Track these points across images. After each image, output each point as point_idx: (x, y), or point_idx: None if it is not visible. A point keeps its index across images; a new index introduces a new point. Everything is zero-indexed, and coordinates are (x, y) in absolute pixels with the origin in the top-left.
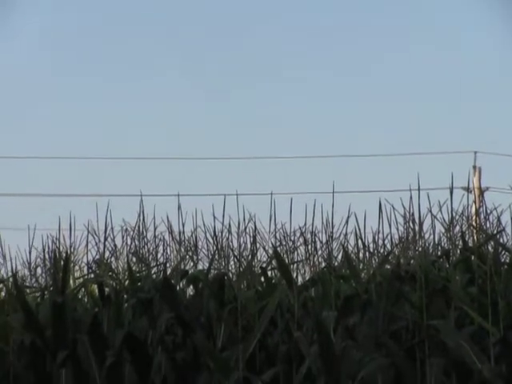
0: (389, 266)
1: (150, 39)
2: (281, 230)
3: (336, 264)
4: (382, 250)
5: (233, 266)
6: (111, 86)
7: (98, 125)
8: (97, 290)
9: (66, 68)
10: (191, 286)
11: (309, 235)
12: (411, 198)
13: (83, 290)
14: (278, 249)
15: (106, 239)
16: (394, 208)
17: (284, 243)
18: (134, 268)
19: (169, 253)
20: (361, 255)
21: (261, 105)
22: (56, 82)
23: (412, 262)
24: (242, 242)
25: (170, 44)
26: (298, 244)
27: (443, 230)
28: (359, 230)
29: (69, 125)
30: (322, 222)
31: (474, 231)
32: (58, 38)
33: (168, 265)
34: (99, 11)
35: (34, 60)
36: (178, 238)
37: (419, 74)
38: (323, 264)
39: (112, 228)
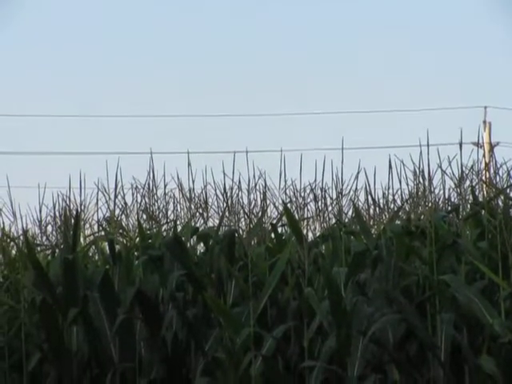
0: (399, 222)
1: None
2: (291, 187)
3: (346, 220)
4: (392, 206)
5: (243, 223)
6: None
7: (108, 83)
8: (107, 248)
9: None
10: (201, 243)
11: (319, 191)
12: (421, 153)
13: (94, 247)
14: (288, 205)
15: (116, 197)
16: (403, 163)
17: (294, 200)
18: (144, 225)
19: (179, 210)
20: (371, 211)
21: (271, 59)
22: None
23: (422, 217)
24: (252, 198)
25: None
26: (308, 200)
27: (453, 185)
28: (369, 185)
29: (80, 82)
30: (332, 179)
31: (484, 186)
32: None
33: (178, 222)
34: None
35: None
36: (188, 195)
37: (429, 27)
38: (333, 220)
39: (122, 186)
